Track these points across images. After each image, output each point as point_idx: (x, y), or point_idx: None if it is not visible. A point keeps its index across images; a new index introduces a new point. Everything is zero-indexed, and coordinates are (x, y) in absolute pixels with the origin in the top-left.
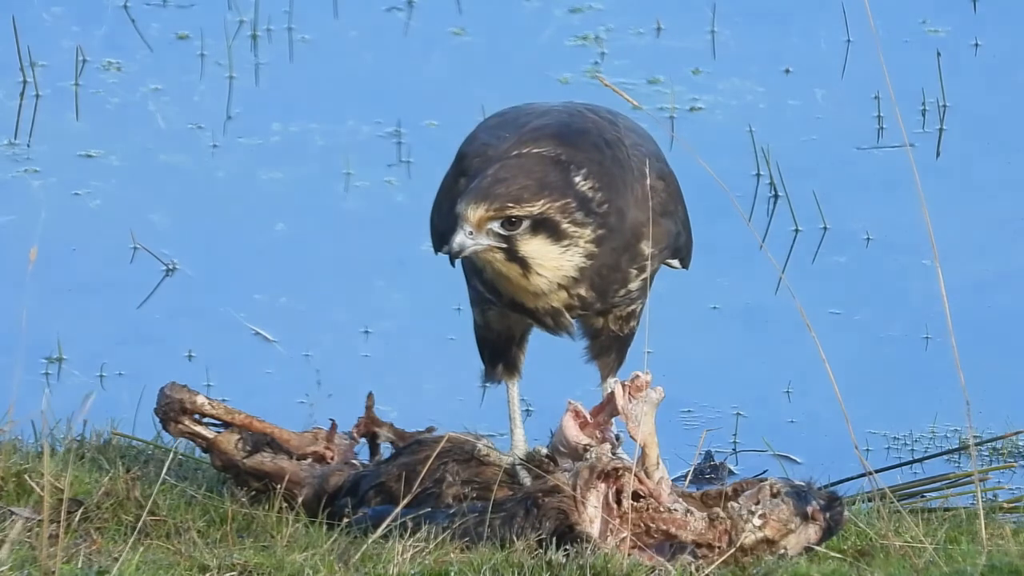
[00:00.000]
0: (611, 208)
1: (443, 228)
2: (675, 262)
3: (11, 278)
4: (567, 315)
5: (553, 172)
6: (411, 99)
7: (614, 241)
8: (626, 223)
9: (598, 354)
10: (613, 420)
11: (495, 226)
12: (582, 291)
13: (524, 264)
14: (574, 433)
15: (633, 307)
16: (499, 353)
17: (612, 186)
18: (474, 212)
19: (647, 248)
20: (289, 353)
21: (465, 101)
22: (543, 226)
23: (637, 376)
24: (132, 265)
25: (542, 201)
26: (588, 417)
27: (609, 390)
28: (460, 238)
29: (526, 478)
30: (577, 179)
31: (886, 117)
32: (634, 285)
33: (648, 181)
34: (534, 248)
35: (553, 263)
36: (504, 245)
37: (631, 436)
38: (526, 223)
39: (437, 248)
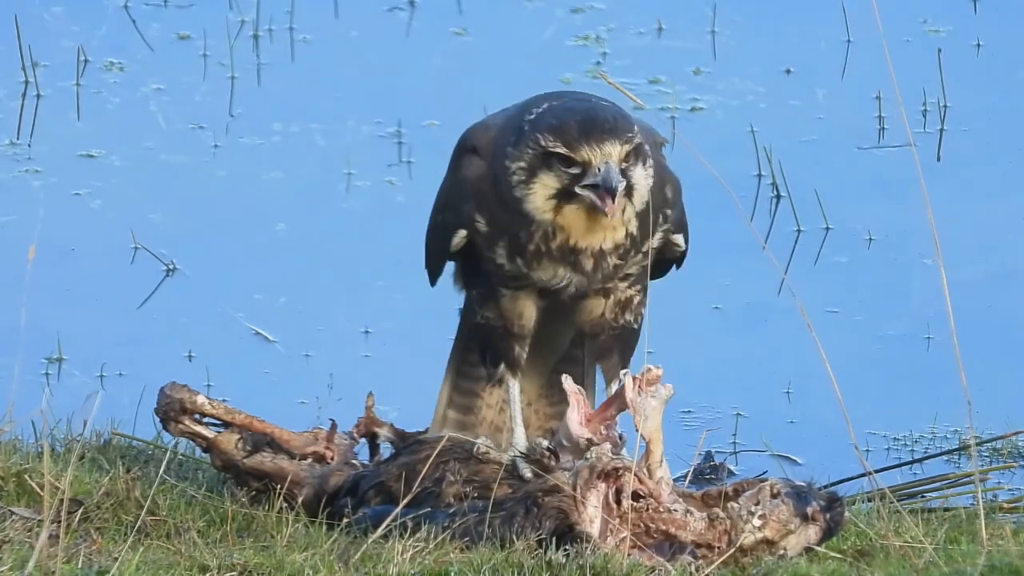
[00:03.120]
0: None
1: (451, 220)
2: (680, 239)
3: (12, 278)
4: (609, 258)
5: (610, 105)
6: (412, 99)
7: (654, 174)
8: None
9: (600, 355)
10: (618, 420)
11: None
12: (635, 228)
13: (631, 194)
14: (577, 427)
15: (631, 292)
16: (503, 350)
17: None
18: (614, 148)
19: (669, 192)
20: (289, 353)
21: (466, 101)
22: (638, 152)
23: (649, 369)
24: (132, 265)
25: (636, 126)
26: (591, 412)
27: (619, 383)
28: (616, 175)
29: (526, 470)
30: None
31: (887, 117)
32: (655, 240)
33: (654, 135)
34: (639, 175)
35: (645, 188)
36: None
37: (637, 430)
38: (633, 152)
39: (442, 245)
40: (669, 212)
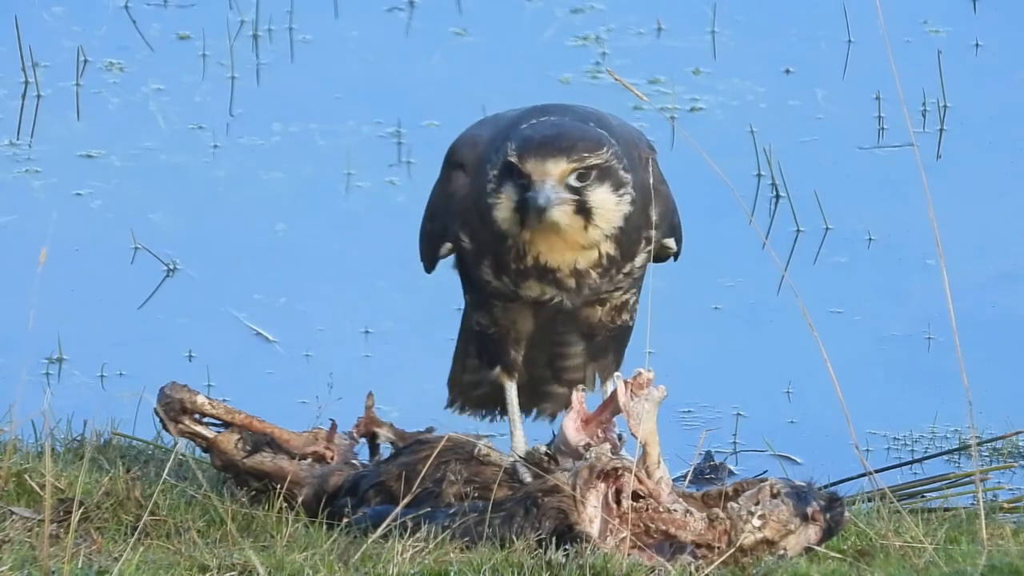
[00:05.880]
0: (631, 163)
1: (438, 231)
2: (671, 242)
3: (12, 278)
4: (590, 276)
5: (592, 126)
6: (412, 99)
7: (638, 197)
8: (639, 181)
9: (595, 356)
10: (615, 419)
11: (572, 179)
12: (611, 250)
13: (588, 215)
14: (573, 433)
15: (627, 297)
16: (498, 354)
17: (623, 146)
18: (556, 166)
19: (654, 214)
20: (289, 353)
21: (466, 101)
22: (607, 174)
23: (639, 373)
24: (133, 265)
25: (606, 148)
26: (588, 415)
27: (611, 388)
28: (546, 194)
29: (526, 474)
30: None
31: (887, 117)
32: (639, 260)
33: (642, 151)
34: (600, 197)
35: (611, 212)
36: (576, 197)
37: (632, 433)
38: (594, 173)
39: (430, 253)
40: (653, 233)
